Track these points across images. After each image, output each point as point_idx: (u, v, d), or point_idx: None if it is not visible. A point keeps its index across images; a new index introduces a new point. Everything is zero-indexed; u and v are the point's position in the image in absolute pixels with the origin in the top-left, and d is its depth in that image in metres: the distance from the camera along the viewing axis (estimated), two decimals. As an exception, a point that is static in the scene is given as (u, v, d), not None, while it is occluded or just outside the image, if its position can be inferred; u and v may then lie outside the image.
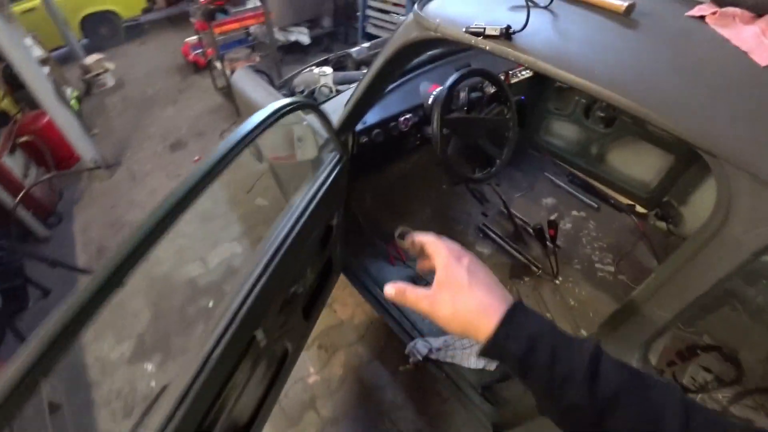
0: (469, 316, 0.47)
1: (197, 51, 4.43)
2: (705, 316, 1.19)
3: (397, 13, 4.07)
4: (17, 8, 4.79)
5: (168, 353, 2.12)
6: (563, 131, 2.15)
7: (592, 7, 0.73)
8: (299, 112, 1.08)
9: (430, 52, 1.71)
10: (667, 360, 1.11)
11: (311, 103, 0.98)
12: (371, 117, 1.42)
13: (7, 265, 2.48)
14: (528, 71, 1.93)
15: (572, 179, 2.14)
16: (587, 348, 0.43)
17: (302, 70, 2.06)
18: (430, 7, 0.88)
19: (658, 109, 0.54)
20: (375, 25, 4.42)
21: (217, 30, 3.28)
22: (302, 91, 1.73)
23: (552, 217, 1.96)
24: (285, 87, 2.02)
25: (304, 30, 4.80)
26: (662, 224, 1.90)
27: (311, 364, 1.93)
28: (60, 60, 4.96)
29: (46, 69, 3.54)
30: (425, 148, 1.75)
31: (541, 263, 1.76)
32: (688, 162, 1.71)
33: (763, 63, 0.56)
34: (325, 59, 2.20)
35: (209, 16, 3.10)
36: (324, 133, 1.19)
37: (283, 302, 1.05)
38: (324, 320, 2.07)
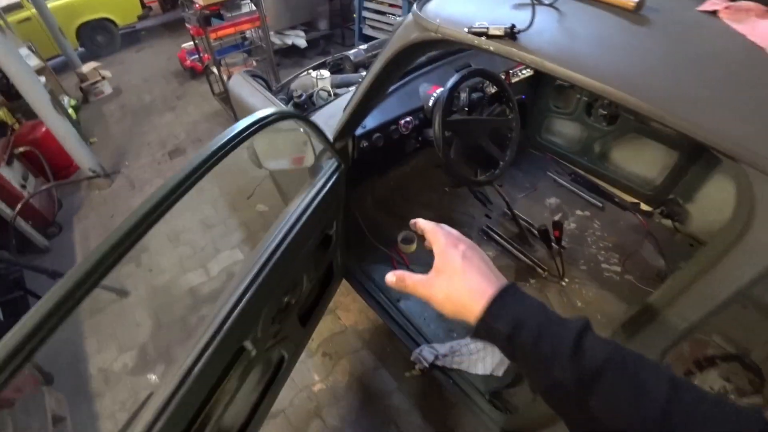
0: (462, 299, 0.48)
1: (194, 57, 4.42)
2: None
3: (394, 14, 4.06)
4: (13, 18, 4.78)
5: (171, 363, 2.09)
6: (565, 130, 2.13)
7: (600, 4, 0.70)
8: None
9: (429, 53, 1.68)
10: (684, 369, 1.08)
11: (294, 113, 0.94)
12: (371, 121, 1.40)
13: (7, 277, 2.47)
14: (528, 70, 1.90)
15: (575, 178, 2.12)
16: (573, 326, 0.43)
17: (299, 74, 2.04)
18: (430, 7, 0.85)
19: (674, 110, 0.51)
20: (372, 27, 4.40)
21: (212, 35, 3.26)
22: (300, 96, 1.71)
23: (556, 218, 1.93)
24: (282, 91, 2.00)
25: (301, 33, 4.78)
26: (668, 222, 1.87)
27: (316, 372, 1.91)
28: (57, 69, 4.94)
29: (43, 78, 3.52)
30: (426, 150, 1.72)
31: (546, 265, 1.73)
32: (693, 158, 1.68)
33: (782, 59, 0.54)
34: (323, 62, 2.17)
35: (204, 22, 3.08)
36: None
37: (277, 311, 1.04)
38: (328, 327, 2.05)
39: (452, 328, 1.56)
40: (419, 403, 1.77)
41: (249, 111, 1.76)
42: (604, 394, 0.40)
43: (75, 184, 3.31)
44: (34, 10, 4.78)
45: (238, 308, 0.81)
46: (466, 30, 0.72)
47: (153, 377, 2.10)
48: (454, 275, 0.50)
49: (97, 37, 5.75)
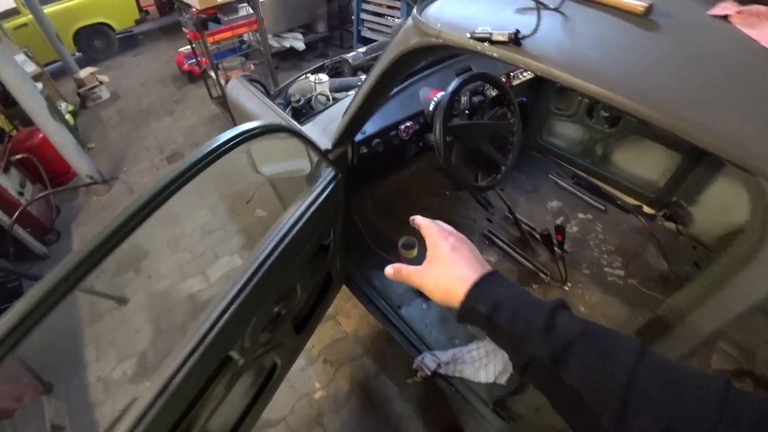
0: (449, 286, 0.53)
1: (191, 61, 4.40)
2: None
3: (392, 16, 4.04)
4: (9, 24, 4.77)
5: (155, 372, 2.08)
6: (566, 132, 2.11)
7: (607, 8, 0.68)
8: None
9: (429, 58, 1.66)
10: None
11: (281, 126, 0.91)
12: (371, 126, 1.38)
13: (5, 285, 2.45)
14: (530, 72, 1.89)
15: (577, 181, 2.10)
16: (547, 306, 0.47)
17: (297, 77, 2.02)
18: (430, 11, 0.83)
19: (687, 120, 0.49)
20: (370, 29, 4.38)
21: (209, 39, 3.24)
22: (298, 100, 1.69)
23: (558, 221, 1.92)
24: (280, 95, 1.98)
25: (299, 36, 4.77)
26: (671, 225, 1.85)
27: (317, 379, 1.89)
28: (54, 74, 4.92)
29: (40, 84, 3.51)
30: (427, 154, 1.70)
31: (549, 269, 1.71)
32: (696, 160, 1.67)
33: (797, 65, 0.52)
34: (321, 65, 2.15)
35: (201, 26, 3.06)
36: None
37: (269, 321, 1.04)
38: (329, 333, 2.03)
39: (454, 334, 1.54)
40: (421, 410, 1.75)
41: (247, 116, 1.75)
42: (574, 365, 0.42)
43: (73, 190, 3.29)
44: (30, 16, 4.76)
45: (222, 320, 0.81)
46: (468, 35, 0.70)
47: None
48: (443, 264, 0.55)
49: (95, 41, 5.74)
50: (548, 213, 1.97)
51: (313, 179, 1.13)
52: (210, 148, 0.72)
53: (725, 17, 0.60)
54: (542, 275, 1.69)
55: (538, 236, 1.77)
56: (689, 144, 0.50)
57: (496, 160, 1.38)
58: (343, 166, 1.32)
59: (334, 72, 2.15)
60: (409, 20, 0.83)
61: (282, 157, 1.19)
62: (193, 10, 3.00)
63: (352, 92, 1.75)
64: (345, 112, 1.12)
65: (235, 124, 2.56)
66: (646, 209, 1.95)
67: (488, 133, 1.35)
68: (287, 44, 4.67)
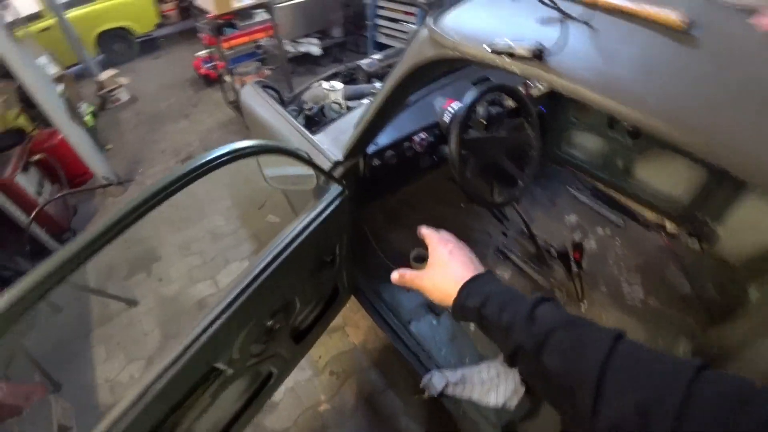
0: (446, 286, 0.59)
1: (208, 65, 4.44)
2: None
3: (408, 22, 4.01)
4: (34, 27, 4.89)
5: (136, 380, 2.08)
6: (586, 143, 2.04)
7: (642, 21, 0.62)
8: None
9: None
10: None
11: (276, 147, 0.88)
12: (383, 137, 1.34)
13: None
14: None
15: (596, 194, 2.02)
16: (531, 300, 0.51)
17: (311, 84, 2.00)
18: (446, 21, 0.78)
19: (738, 154, 0.44)
20: (385, 35, 4.37)
21: (225, 44, 3.26)
22: (311, 108, 1.67)
23: (576, 237, 1.85)
24: (294, 102, 1.96)
25: (315, 41, 4.78)
26: (695, 243, 1.77)
27: (322, 391, 1.85)
28: (76, 76, 5.03)
29: (61, 86, 3.58)
30: (442, 165, 1.66)
31: (565, 287, 1.65)
32: (724, 176, 1.59)
33: None
34: (335, 72, 2.14)
35: (217, 31, 3.08)
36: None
37: (263, 332, 1.03)
38: (336, 345, 1.99)
39: (464, 353, 1.49)
40: (427, 428, 1.70)
41: (259, 123, 1.73)
42: (554, 351, 0.45)
43: (90, 191, 3.33)
44: (54, 20, 4.88)
45: (208, 333, 0.81)
46: (487, 48, 0.65)
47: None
48: (441, 267, 0.62)
49: (115, 45, 5.85)
50: (565, 228, 1.90)
51: (320, 192, 1.10)
52: (195, 165, 0.70)
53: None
54: (558, 293, 1.63)
55: (554, 252, 1.70)
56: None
57: (513, 175, 1.33)
58: (354, 179, 1.29)
59: (349, 78, 2.13)
60: (424, 30, 0.79)
61: (290, 169, 1.16)
62: (209, 15, 3.02)
63: (365, 101, 1.72)
64: (357, 124, 1.09)
65: (248, 129, 2.58)
66: (669, 226, 1.86)
67: (506, 146, 1.30)
68: (303, 49, 4.68)
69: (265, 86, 1.90)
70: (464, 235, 1.91)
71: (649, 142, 1.77)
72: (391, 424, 1.73)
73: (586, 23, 0.64)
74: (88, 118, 3.92)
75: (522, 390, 1.35)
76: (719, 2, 0.64)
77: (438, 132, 1.47)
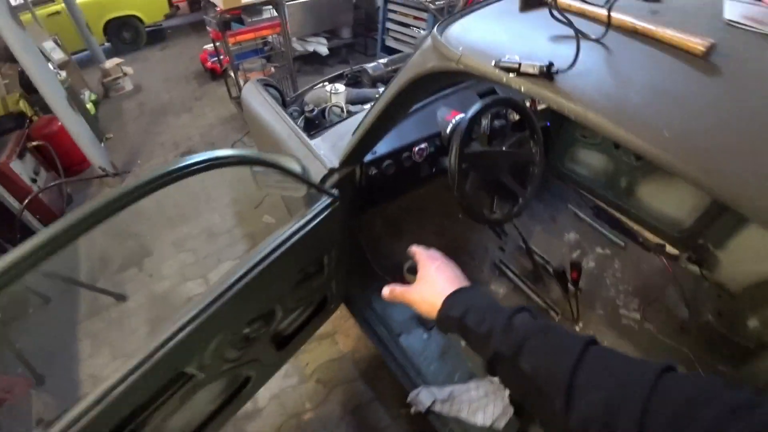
0: (432, 298, 0.62)
1: (214, 59, 4.42)
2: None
3: (418, 27, 3.99)
4: (43, 11, 4.88)
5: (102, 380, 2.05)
6: (590, 160, 2.00)
7: (659, 45, 0.58)
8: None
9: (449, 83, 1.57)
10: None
11: (256, 158, 0.84)
12: (382, 146, 1.30)
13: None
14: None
15: (597, 213, 1.99)
16: (509, 310, 0.54)
17: (314, 85, 1.97)
18: (452, 31, 0.74)
19: (764, 202, 0.40)
20: (394, 38, 4.34)
21: (231, 40, 3.23)
22: (312, 110, 1.64)
23: (574, 255, 1.82)
24: (296, 102, 1.93)
25: (323, 40, 4.76)
26: (695, 268, 1.73)
27: (308, 399, 1.81)
28: (82, 63, 5.01)
29: (63, 73, 3.55)
30: (441, 176, 1.63)
31: (560, 306, 1.61)
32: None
33: None
34: (340, 74, 2.10)
35: (224, 26, 3.05)
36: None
37: (239, 339, 1.01)
38: (325, 352, 1.95)
39: (453, 370, 1.45)
40: (414, 445, 1.66)
41: (258, 122, 1.70)
42: (529, 356, 0.48)
43: (86, 180, 3.30)
44: (63, 5, 4.86)
45: (177, 339, 0.79)
46: (493, 64, 0.62)
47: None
48: (428, 282, 0.65)
49: (124, 33, 5.84)
50: (565, 245, 1.87)
51: (310, 200, 1.06)
52: (164, 172, 0.67)
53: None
54: (552, 313, 1.60)
55: (551, 270, 1.67)
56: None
57: (514, 191, 1.29)
58: (350, 186, 1.25)
59: (354, 81, 2.10)
60: (428, 40, 0.75)
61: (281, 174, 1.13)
62: (218, 9, 2.99)
63: (367, 106, 1.69)
64: (355, 131, 1.05)
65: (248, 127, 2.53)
66: (669, 249, 1.83)
67: (508, 162, 1.26)
68: (311, 48, 4.66)
69: (267, 85, 1.86)
70: (461, 247, 1.88)
71: (654, 164, 1.73)
72: (377, 436, 1.69)
73: (600, 42, 0.60)
74: (89, 105, 3.90)
75: (511, 411, 1.31)
76: (743, 27, 0.60)
77: (439, 143, 1.44)
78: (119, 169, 3.30)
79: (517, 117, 1.43)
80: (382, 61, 2.13)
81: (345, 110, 1.71)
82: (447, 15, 0.80)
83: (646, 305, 1.65)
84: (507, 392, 1.33)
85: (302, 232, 0.99)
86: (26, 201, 2.56)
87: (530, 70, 0.57)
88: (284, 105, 1.90)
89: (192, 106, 4.31)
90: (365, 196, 1.37)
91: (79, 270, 2.60)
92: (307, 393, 1.83)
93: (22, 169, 2.75)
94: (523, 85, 0.58)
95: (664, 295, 1.69)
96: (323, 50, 4.71)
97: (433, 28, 0.75)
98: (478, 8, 0.80)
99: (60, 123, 3.02)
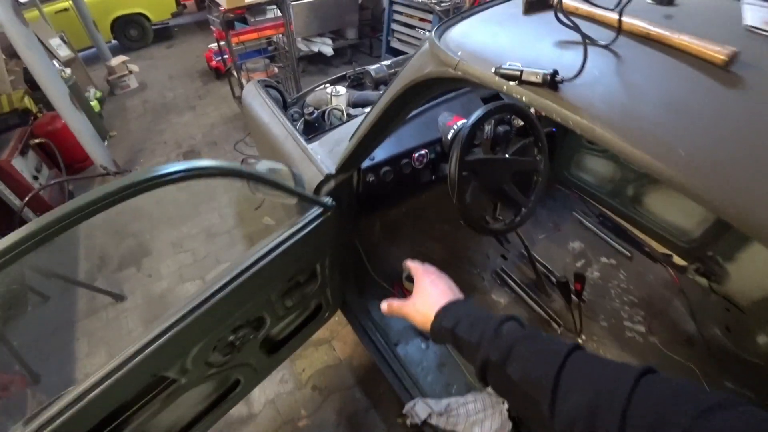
0: (426, 311, 0.65)
1: (219, 58, 4.41)
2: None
3: (423, 29, 3.95)
4: (50, 8, 4.89)
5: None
6: (596, 167, 1.95)
7: (675, 52, 0.52)
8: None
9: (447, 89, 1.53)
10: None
11: (240, 171, 0.81)
12: (381, 152, 1.27)
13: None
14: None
15: (603, 221, 1.94)
16: (497, 319, 0.57)
17: (316, 87, 1.94)
18: (452, 36, 0.70)
19: None
20: (400, 40, 4.31)
21: (234, 39, 3.21)
22: (311, 113, 1.60)
23: (579, 264, 1.77)
24: (298, 104, 1.90)
25: (328, 41, 4.74)
26: (703, 280, 1.68)
27: (303, 406, 1.77)
28: (88, 60, 5.02)
29: (68, 70, 3.55)
30: (441, 182, 1.59)
31: (562, 318, 1.57)
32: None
33: None
34: (342, 76, 2.07)
35: (227, 25, 3.03)
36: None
37: (224, 345, 1.00)
38: (321, 358, 1.92)
39: (451, 382, 1.41)
40: (410, 455, 1.62)
41: (256, 124, 1.67)
42: (515, 362, 0.50)
43: (88, 179, 3.29)
44: (71, 2, 4.87)
45: (157, 343, 0.79)
46: (493, 70, 0.58)
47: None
48: (423, 296, 0.68)
49: (130, 31, 5.85)
50: (569, 254, 1.82)
51: (302, 208, 1.03)
52: (138, 179, 0.64)
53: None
54: (554, 324, 1.55)
55: (554, 280, 1.63)
56: None
57: (517, 200, 1.25)
58: (348, 192, 1.22)
59: (357, 83, 2.06)
60: (426, 44, 0.71)
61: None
62: (221, 9, 2.97)
63: (368, 109, 1.65)
64: (352, 137, 1.02)
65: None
66: (677, 260, 1.78)
67: (511, 170, 1.22)
68: (316, 49, 4.64)
69: (268, 86, 1.83)
70: (462, 254, 1.84)
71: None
72: (372, 446, 1.66)
73: (609, 49, 0.56)
74: (94, 103, 3.89)
75: (509, 426, 1.27)
76: (766, 33, 0.55)
77: (440, 149, 1.40)
78: (121, 168, 3.28)
79: (521, 123, 1.39)
80: (385, 63, 2.09)
81: (345, 113, 1.67)
82: (451, 16, 0.76)
83: (652, 318, 1.60)
84: (505, 406, 1.29)
85: (290, 242, 0.96)
86: (27, 198, 2.56)
87: (533, 79, 0.53)
88: (285, 106, 1.87)
89: (196, 105, 4.30)
90: (363, 202, 1.34)
91: (78, 268, 2.59)
92: (303, 399, 1.80)
93: (24, 166, 2.74)
94: (524, 95, 0.54)
95: (671, 307, 1.64)
96: (328, 50, 4.69)
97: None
98: (480, 10, 0.76)
99: (63, 120, 3.01)
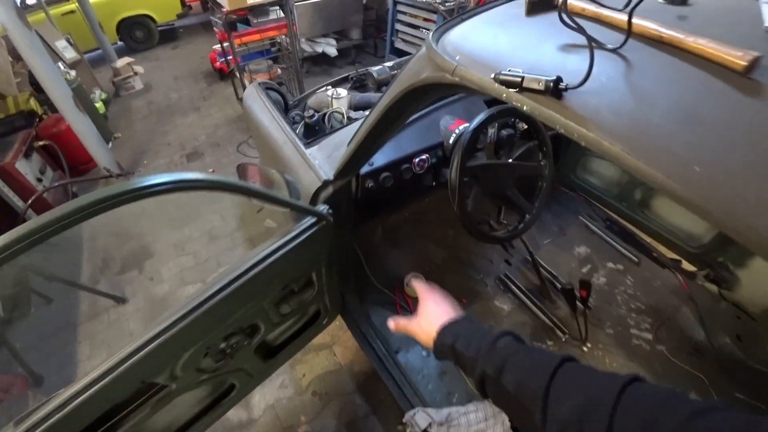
0: (429, 329, 0.68)
1: (223, 59, 4.41)
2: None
3: (427, 29, 3.92)
4: (57, 10, 4.93)
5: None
6: (603, 170, 1.91)
7: (690, 57, 0.48)
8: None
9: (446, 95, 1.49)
10: None
11: (229, 184, 0.79)
12: (380, 157, 1.24)
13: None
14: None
15: (610, 225, 1.90)
16: (493, 335, 0.59)
17: (317, 89, 1.92)
18: (450, 39, 0.66)
19: None
20: (404, 40, 4.28)
21: (237, 41, 3.20)
22: (312, 116, 1.58)
23: (584, 270, 1.73)
24: (299, 106, 1.88)
25: (332, 41, 4.72)
26: (712, 287, 1.63)
27: (303, 411, 1.76)
28: (94, 62, 5.05)
29: (73, 72, 3.56)
30: (443, 187, 1.56)
31: (568, 325, 1.53)
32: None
33: None
34: (345, 77, 2.05)
35: (230, 27, 3.02)
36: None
37: (216, 352, 0.99)
38: (322, 364, 1.90)
39: (452, 390, 1.38)
40: (411, 464, 1.59)
41: (256, 127, 1.65)
42: (510, 373, 0.53)
43: (92, 181, 3.30)
44: (77, 4, 4.90)
45: (143, 352, 0.78)
46: (492, 76, 0.54)
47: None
48: (427, 315, 0.71)
49: (136, 32, 5.88)
50: (574, 259, 1.78)
51: (297, 216, 1.01)
52: (120, 191, 0.61)
53: None
54: (559, 332, 1.51)
55: (559, 287, 1.59)
56: None
57: (520, 206, 1.22)
58: (347, 198, 1.19)
59: (359, 85, 2.04)
60: (422, 49, 0.68)
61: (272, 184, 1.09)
62: (224, 10, 2.96)
63: (367, 113, 1.63)
64: (350, 142, 0.99)
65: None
66: (686, 266, 1.73)
67: (514, 175, 1.19)
68: (319, 49, 4.62)
69: (269, 88, 1.81)
70: (464, 260, 1.81)
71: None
72: (373, 453, 1.63)
73: (618, 53, 0.52)
74: (99, 105, 3.91)
75: (511, 438, 1.24)
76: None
77: (442, 154, 1.36)
78: (124, 170, 3.29)
79: (526, 126, 1.36)
80: (388, 64, 2.06)
81: (345, 116, 1.65)
82: (450, 18, 0.73)
83: (659, 325, 1.56)
84: (507, 417, 1.26)
85: (283, 251, 0.94)
86: (31, 200, 2.56)
87: (534, 86, 0.50)
88: (287, 109, 1.85)
89: (200, 106, 4.30)
90: (362, 209, 1.31)
91: (81, 271, 2.59)
92: (303, 405, 1.78)
93: (28, 168, 2.75)
94: (525, 103, 0.51)
95: (679, 314, 1.60)
96: (332, 51, 4.67)
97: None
98: (480, 12, 0.73)
99: (67, 122, 3.02)
